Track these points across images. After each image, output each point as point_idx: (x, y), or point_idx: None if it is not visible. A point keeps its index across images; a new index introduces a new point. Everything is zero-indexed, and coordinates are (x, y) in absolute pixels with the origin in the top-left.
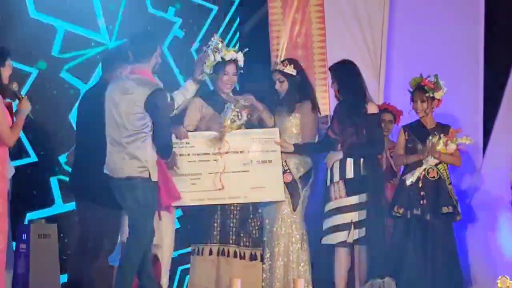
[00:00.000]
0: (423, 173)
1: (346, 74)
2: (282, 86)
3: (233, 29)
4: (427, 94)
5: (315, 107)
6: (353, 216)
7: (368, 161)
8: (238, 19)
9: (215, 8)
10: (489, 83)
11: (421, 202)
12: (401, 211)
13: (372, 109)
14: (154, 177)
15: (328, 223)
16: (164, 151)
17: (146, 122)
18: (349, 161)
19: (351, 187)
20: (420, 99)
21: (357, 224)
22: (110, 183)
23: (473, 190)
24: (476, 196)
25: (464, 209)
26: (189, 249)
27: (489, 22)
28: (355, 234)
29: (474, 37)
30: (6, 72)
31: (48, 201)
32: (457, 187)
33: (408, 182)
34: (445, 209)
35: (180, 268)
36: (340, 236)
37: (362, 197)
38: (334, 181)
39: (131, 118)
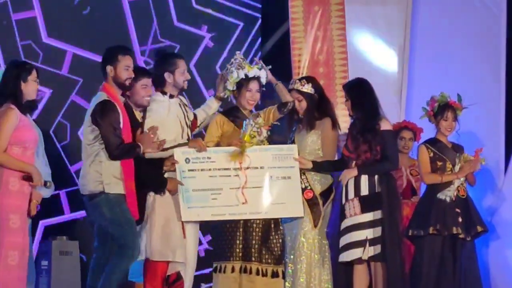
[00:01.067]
0: (456, 191)
1: (358, 92)
2: (301, 105)
3: (254, 47)
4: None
5: (335, 125)
6: (368, 233)
7: (382, 178)
8: (260, 37)
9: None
10: (510, 102)
11: (458, 220)
12: (438, 229)
13: (385, 125)
14: (110, 190)
15: (344, 240)
16: (114, 156)
17: (97, 135)
18: (364, 178)
19: (366, 204)
20: (453, 118)
21: (372, 241)
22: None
23: (494, 208)
24: (497, 214)
25: None
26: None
27: (511, 40)
28: (370, 251)
29: (495, 55)
30: (30, 87)
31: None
32: (479, 204)
33: (448, 200)
34: (479, 228)
35: None
36: (356, 253)
37: (377, 214)
38: (349, 198)
39: (85, 132)
